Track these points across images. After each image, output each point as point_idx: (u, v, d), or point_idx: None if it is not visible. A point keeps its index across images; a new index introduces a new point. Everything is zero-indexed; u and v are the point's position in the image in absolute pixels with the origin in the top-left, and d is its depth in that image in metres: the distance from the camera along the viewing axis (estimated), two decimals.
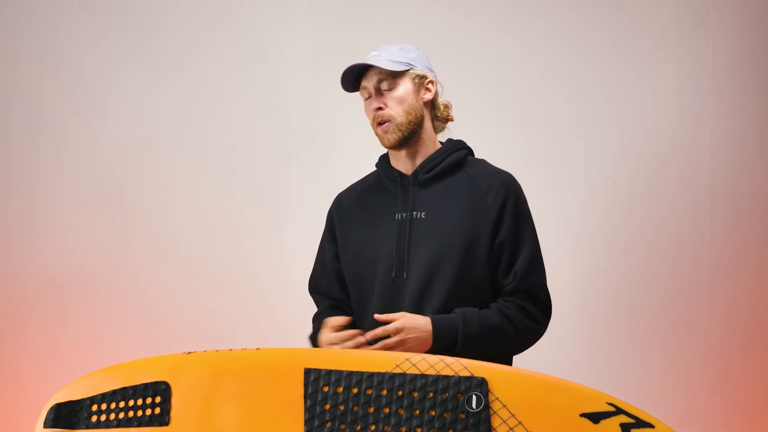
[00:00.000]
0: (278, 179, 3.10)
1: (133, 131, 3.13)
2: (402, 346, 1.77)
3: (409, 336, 1.77)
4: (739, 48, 2.96)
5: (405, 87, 1.90)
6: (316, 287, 2.06)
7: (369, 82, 1.91)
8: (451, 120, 2.00)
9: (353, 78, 1.93)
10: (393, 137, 1.89)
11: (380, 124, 1.90)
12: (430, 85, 1.94)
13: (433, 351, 1.77)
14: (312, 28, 3.10)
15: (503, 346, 1.85)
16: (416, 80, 1.91)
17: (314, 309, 2.08)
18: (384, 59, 1.89)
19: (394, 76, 1.90)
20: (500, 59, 3.03)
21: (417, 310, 1.82)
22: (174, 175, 3.12)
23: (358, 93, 1.97)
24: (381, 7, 3.08)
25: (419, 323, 1.78)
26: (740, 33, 2.96)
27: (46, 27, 3.16)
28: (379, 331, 1.78)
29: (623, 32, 2.99)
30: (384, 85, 1.90)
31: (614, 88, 2.99)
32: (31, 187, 3.14)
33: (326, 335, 1.86)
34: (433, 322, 1.79)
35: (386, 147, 1.94)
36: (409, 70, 1.90)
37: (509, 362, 1.94)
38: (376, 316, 1.80)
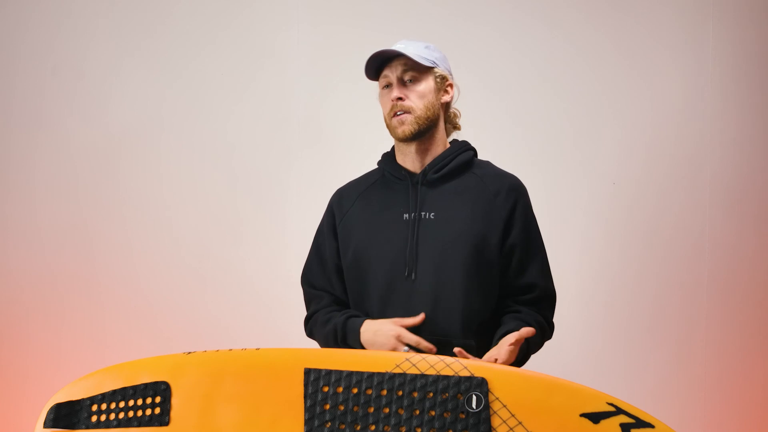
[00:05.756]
0: (278, 179, 3.10)
1: (133, 131, 3.13)
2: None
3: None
4: (739, 47, 2.96)
5: (428, 83, 1.91)
6: (312, 281, 2.01)
7: (393, 72, 1.90)
8: (458, 128, 2.01)
9: (376, 66, 1.92)
10: (408, 129, 1.88)
11: (397, 114, 1.89)
12: (449, 88, 1.96)
13: None
14: (312, 28, 3.10)
15: (532, 351, 1.90)
16: (438, 80, 1.93)
17: None
18: (411, 52, 1.89)
19: (419, 71, 1.90)
20: (500, 59, 3.02)
21: (430, 310, 1.81)
22: (174, 175, 3.12)
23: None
24: (381, 8, 3.08)
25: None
26: (741, 32, 2.96)
27: (46, 27, 3.15)
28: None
29: (624, 32, 2.99)
30: (407, 77, 1.89)
31: (615, 88, 2.99)
32: (31, 187, 3.14)
33: (406, 334, 1.79)
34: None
35: (398, 138, 1.92)
36: (434, 68, 1.92)
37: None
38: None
